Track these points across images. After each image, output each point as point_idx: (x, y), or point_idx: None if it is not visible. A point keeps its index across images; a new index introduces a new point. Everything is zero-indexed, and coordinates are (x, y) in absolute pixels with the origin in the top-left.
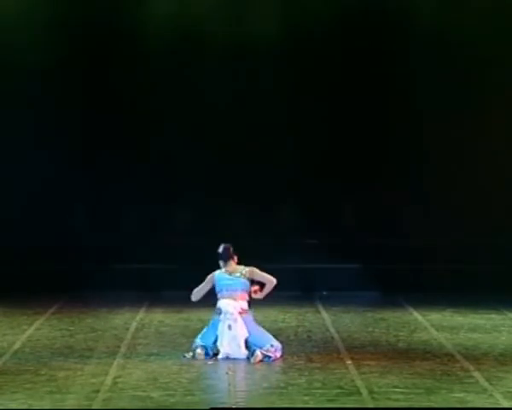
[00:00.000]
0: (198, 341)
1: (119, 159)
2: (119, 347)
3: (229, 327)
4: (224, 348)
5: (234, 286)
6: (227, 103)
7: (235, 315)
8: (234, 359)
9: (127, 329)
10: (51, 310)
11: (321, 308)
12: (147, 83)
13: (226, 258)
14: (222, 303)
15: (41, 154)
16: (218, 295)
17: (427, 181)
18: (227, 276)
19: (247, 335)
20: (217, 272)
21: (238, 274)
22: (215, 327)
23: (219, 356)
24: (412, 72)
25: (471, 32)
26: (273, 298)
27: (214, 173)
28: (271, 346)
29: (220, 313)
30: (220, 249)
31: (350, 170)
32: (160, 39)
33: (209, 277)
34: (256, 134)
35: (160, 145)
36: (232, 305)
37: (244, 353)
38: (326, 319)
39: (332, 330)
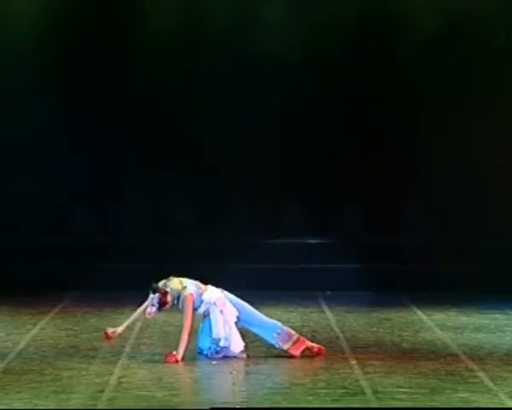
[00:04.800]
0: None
1: (120, 158)
2: (123, 347)
3: (221, 312)
4: (221, 334)
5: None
6: (228, 103)
7: (223, 299)
8: (234, 357)
9: (131, 329)
10: (56, 310)
11: (325, 308)
12: (150, 83)
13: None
14: (207, 296)
15: (42, 153)
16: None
17: (429, 180)
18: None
19: (237, 313)
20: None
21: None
22: (207, 327)
23: (221, 344)
24: (418, 78)
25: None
26: (277, 298)
27: (215, 173)
28: (278, 334)
29: (208, 313)
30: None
31: (351, 170)
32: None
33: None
34: (257, 133)
35: (160, 145)
36: (216, 290)
37: (236, 333)
38: (330, 319)
39: (336, 330)
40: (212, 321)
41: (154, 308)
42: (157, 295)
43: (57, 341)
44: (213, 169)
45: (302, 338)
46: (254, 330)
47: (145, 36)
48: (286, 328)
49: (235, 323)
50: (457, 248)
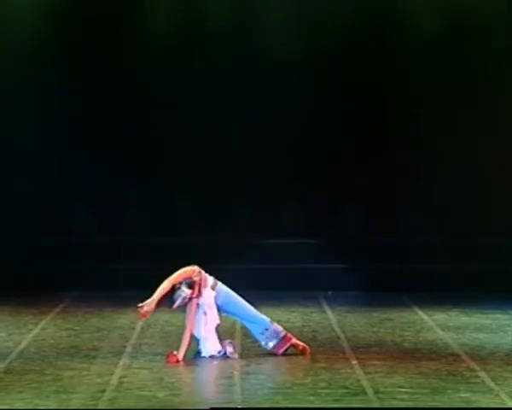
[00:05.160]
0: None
1: (120, 158)
2: (124, 346)
3: (205, 313)
4: (201, 334)
5: None
6: (228, 103)
7: (211, 304)
8: (228, 357)
9: (133, 329)
10: (57, 309)
11: (326, 308)
12: (150, 83)
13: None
14: (201, 298)
15: (41, 153)
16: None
17: (429, 180)
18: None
19: (218, 322)
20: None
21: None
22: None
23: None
24: (418, 78)
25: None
26: (277, 298)
27: (215, 173)
28: (266, 330)
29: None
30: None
31: (351, 170)
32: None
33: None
34: (256, 133)
35: (159, 145)
36: (210, 293)
37: (213, 337)
38: (331, 319)
39: (337, 330)
40: (196, 321)
41: (183, 301)
42: (190, 291)
43: (58, 341)
44: (213, 169)
45: (289, 335)
46: (244, 323)
47: (145, 36)
48: (274, 325)
49: (219, 310)
50: (457, 248)
